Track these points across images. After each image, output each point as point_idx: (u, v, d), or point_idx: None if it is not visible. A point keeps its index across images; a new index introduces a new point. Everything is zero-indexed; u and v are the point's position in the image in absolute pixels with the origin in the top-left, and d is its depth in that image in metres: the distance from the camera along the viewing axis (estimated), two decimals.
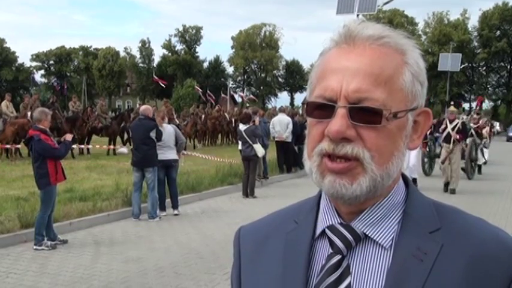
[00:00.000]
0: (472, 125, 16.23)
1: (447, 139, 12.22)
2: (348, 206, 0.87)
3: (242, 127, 11.46)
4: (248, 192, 11.38)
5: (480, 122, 19.71)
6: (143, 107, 9.56)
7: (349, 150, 0.81)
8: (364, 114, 0.81)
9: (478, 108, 20.78)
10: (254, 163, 11.45)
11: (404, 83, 0.84)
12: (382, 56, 0.84)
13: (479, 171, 16.38)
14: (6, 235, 7.16)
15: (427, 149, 15.16)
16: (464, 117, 15.02)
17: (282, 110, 16.47)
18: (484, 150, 20.84)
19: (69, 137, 7.34)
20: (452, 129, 12.08)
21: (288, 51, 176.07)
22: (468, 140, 14.77)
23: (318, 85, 0.86)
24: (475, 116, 18.13)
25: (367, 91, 0.81)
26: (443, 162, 12.31)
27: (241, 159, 11.75)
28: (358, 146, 0.81)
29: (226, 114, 27.84)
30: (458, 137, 12.06)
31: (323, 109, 0.83)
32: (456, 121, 12.28)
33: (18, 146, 15.79)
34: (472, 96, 65.41)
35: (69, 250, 6.93)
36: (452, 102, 13.37)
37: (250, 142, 11.18)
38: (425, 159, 15.22)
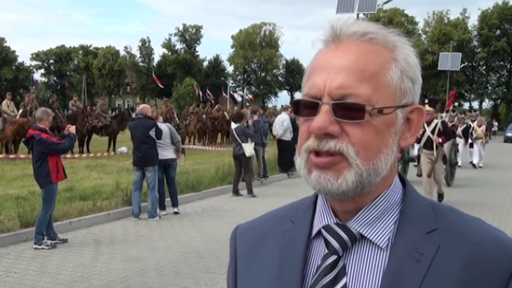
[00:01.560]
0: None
1: (428, 145, 10.14)
2: (341, 203, 0.87)
3: (233, 126, 11.51)
4: (247, 191, 11.37)
5: (455, 120, 18.12)
6: (141, 106, 9.55)
7: (332, 145, 0.82)
8: (347, 110, 0.81)
9: (451, 104, 17.75)
10: (245, 162, 11.41)
11: (392, 79, 0.84)
12: (368, 52, 0.84)
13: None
14: (6, 234, 7.17)
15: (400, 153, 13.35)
16: (444, 115, 13.30)
17: (284, 109, 16.60)
18: (476, 151, 18.44)
19: (72, 129, 7.25)
20: (432, 132, 10.06)
21: (288, 50, 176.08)
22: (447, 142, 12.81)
23: (306, 84, 0.87)
24: (450, 113, 15.71)
25: (350, 87, 0.81)
26: (429, 176, 10.10)
27: (232, 157, 11.78)
28: (342, 141, 0.82)
29: (226, 113, 27.84)
30: (440, 140, 10.04)
31: (310, 107, 0.84)
32: (435, 121, 10.18)
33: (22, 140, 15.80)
34: (472, 96, 65.41)
35: (69, 249, 6.93)
36: (426, 101, 10.70)
37: (240, 141, 11.20)
38: (399, 163, 13.29)
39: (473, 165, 18.37)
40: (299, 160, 0.87)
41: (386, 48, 0.86)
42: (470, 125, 19.03)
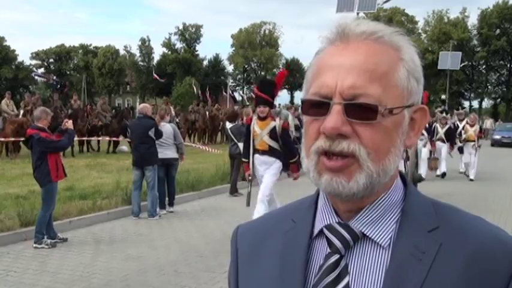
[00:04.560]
0: None
1: None
2: (345, 203, 0.87)
3: (228, 125, 11.50)
4: (230, 190, 11.33)
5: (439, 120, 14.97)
6: (141, 105, 9.53)
7: (345, 146, 0.81)
8: (360, 111, 0.81)
9: None
10: (238, 161, 11.41)
11: (400, 80, 0.84)
12: (376, 52, 0.84)
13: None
14: (6, 233, 7.16)
15: None
16: None
17: (287, 108, 16.92)
18: (466, 158, 15.03)
19: (69, 124, 7.22)
20: None
21: (288, 50, 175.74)
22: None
23: (313, 82, 0.86)
24: None
25: (362, 87, 0.81)
26: None
27: (229, 157, 11.77)
28: (355, 142, 0.81)
29: (209, 113, 27.86)
30: None
31: (319, 106, 0.83)
32: None
33: (22, 139, 15.84)
34: (472, 95, 65.43)
35: (69, 248, 6.93)
36: None
37: (236, 140, 11.19)
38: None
39: (466, 175, 15.15)
40: (307, 162, 0.86)
41: (392, 47, 0.86)
42: (457, 125, 15.63)
